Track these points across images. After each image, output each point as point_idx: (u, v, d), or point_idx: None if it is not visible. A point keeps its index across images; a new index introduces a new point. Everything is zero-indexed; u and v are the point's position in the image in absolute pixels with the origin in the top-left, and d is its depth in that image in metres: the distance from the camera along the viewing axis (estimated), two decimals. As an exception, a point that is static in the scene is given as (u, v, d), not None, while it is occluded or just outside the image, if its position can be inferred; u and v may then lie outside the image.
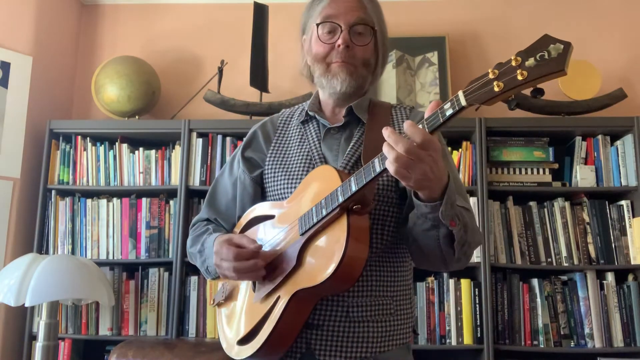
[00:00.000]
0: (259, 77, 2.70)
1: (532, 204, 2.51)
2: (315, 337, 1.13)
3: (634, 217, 2.45)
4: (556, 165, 2.53)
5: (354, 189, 0.99)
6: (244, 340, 1.15)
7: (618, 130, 2.53)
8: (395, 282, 1.19)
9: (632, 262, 2.40)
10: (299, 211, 1.11)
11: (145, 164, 2.65)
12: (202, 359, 2.01)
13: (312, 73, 1.30)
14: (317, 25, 1.23)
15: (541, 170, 2.52)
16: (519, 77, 0.83)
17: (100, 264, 2.52)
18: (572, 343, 2.37)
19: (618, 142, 2.53)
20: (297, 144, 1.29)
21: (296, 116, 1.35)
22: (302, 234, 1.08)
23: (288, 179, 1.23)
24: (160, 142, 2.70)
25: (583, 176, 2.48)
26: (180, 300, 2.48)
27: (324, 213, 1.03)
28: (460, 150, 2.53)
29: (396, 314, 1.17)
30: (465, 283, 2.41)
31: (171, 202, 2.61)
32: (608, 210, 2.48)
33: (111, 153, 2.66)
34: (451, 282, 2.42)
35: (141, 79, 2.73)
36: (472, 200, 2.43)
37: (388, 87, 2.74)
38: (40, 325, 2.25)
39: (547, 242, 2.47)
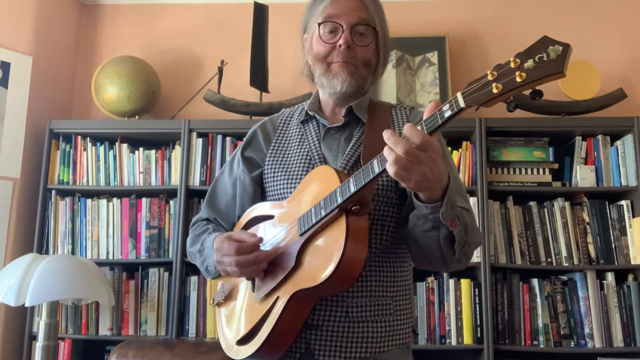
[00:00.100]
0: (259, 77, 2.71)
1: (532, 204, 2.51)
2: (314, 338, 1.13)
3: (634, 217, 2.45)
4: (556, 165, 2.53)
5: (352, 190, 0.99)
6: (243, 340, 1.15)
7: (618, 130, 2.53)
8: (394, 282, 1.19)
9: (632, 262, 2.40)
10: (298, 211, 1.11)
11: (145, 164, 2.65)
12: (202, 359, 2.01)
13: (312, 72, 1.30)
14: (319, 24, 1.23)
15: (541, 170, 2.52)
16: (518, 79, 0.83)
17: (100, 264, 2.52)
18: (572, 343, 2.37)
19: (618, 142, 2.53)
20: (296, 143, 1.28)
21: (296, 116, 1.35)
22: (301, 235, 1.08)
23: (288, 178, 1.23)
24: (160, 142, 2.70)
25: (583, 176, 2.48)
26: (180, 300, 2.48)
27: (323, 214, 1.03)
28: (460, 150, 2.53)
29: (396, 314, 1.17)
30: (465, 283, 2.41)
31: (171, 202, 2.61)
32: (608, 210, 2.48)
33: (111, 153, 2.66)
34: (451, 282, 2.42)
35: (141, 79, 2.73)
36: (472, 200, 2.43)
37: (388, 87, 2.74)
38: (40, 325, 2.25)
39: (547, 242, 2.47)
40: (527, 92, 0.88)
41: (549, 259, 2.45)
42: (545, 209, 2.50)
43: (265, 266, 1.13)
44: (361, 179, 0.99)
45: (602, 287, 2.40)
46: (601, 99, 2.59)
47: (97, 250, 2.59)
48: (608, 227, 2.46)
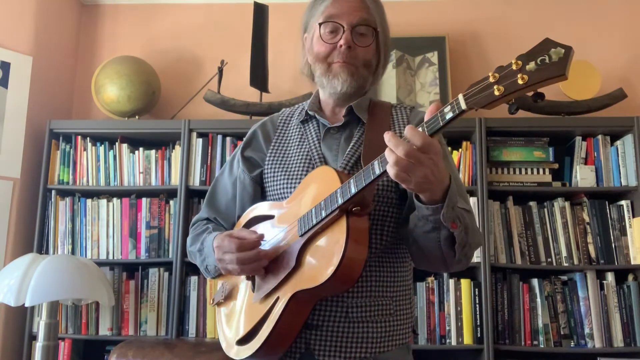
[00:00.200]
0: (259, 77, 2.71)
1: (532, 204, 2.51)
2: (314, 338, 1.13)
3: (634, 217, 2.45)
4: (556, 165, 2.53)
5: (353, 191, 0.99)
6: (243, 341, 1.15)
7: (618, 130, 2.53)
8: (394, 283, 1.19)
9: (632, 262, 2.40)
10: (299, 212, 1.11)
11: (145, 164, 2.65)
12: (202, 359, 2.01)
13: (312, 72, 1.30)
14: (320, 24, 1.23)
15: (541, 170, 2.52)
16: (520, 81, 0.83)
17: (100, 264, 2.52)
18: (572, 343, 2.37)
19: (618, 142, 2.53)
20: (296, 143, 1.28)
21: (296, 116, 1.35)
22: (302, 235, 1.08)
23: (288, 178, 1.23)
24: (160, 142, 2.70)
25: (583, 176, 2.48)
26: (180, 300, 2.48)
27: (324, 215, 1.03)
28: (460, 150, 2.53)
29: (396, 314, 1.17)
30: (465, 283, 2.41)
31: (171, 202, 2.61)
32: (608, 210, 2.48)
33: (111, 153, 2.66)
34: (451, 282, 2.42)
35: (141, 79, 2.73)
36: (472, 200, 2.43)
37: (388, 87, 2.74)
38: (40, 325, 2.25)
39: (547, 242, 2.47)
40: (529, 94, 0.87)
41: (549, 259, 2.45)
42: (545, 209, 2.50)
43: (266, 263, 1.13)
44: (362, 180, 0.99)
45: (602, 287, 2.40)
46: (601, 99, 2.59)
47: (97, 250, 2.59)
48: (608, 227, 2.46)
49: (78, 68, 3.08)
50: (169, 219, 2.60)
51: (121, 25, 3.09)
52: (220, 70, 2.76)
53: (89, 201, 2.63)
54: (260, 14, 2.74)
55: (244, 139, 1.38)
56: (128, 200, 2.61)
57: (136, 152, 2.66)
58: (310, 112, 1.30)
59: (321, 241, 1.05)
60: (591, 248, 2.44)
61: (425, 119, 0.93)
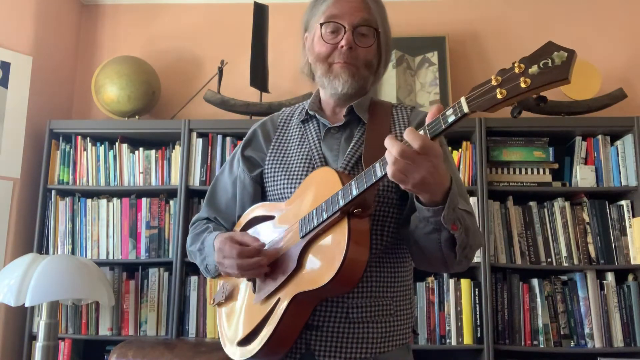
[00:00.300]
0: (259, 77, 2.70)
1: (532, 204, 2.51)
2: (315, 338, 1.13)
3: (634, 217, 2.45)
4: (556, 165, 2.53)
5: (354, 193, 0.99)
6: (244, 342, 1.15)
7: (618, 130, 2.53)
8: (395, 283, 1.19)
9: (632, 262, 2.40)
10: (299, 213, 1.11)
11: (145, 164, 2.65)
12: (202, 359, 2.01)
13: (313, 72, 1.29)
14: (321, 24, 1.23)
15: (541, 170, 2.52)
16: (522, 85, 0.83)
17: (100, 264, 2.52)
18: (572, 343, 2.37)
19: (618, 142, 2.53)
20: (297, 143, 1.28)
21: (296, 115, 1.34)
22: (303, 237, 1.08)
23: (288, 178, 1.23)
24: (160, 142, 2.70)
25: (583, 176, 2.48)
26: (180, 300, 2.48)
27: (325, 216, 1.03)
28: (460, 150, 2.53)
29: (396, 315, 1.17)
30: (465, 283, 2.41)
31: (171, 202, 2.61)
32: (608, 210, 2.48)
33: (111, 153, 2.66)
34: (451, 282, 2.42)
35: (141, 79, 2.73)
36: (472, 200, 2.42)
37: (388, 87, 2.74)
38: (40, 325, 2.25)
39: (547, 242, 2.47)
40: (532, 97, 0.87)
41: (549, 259, 2.45)
42: (545, 209, 2.50)
43: (266, 270, 1.13)
44: (363, 182, 0.99)
45: (602, 287, 2.40)
46: (601, 99, 2.59)
47: (97, 250, 2.59)
48: (608, 227, 2.46)
49: (78, 68, 3.08)
50: (169, 219, 2.60)
51: (121, 25, 3.09)
52: (220, 70, 2.76)
53: (89, 201, 2.63)
54: (260, 14, 2.74)
55: (244, 138, 1.38)
56: (128, 200, 2.61)
57: (136, 152, 2.66)
58: (310, 112, 1.30)
59: (322, 243, 1.05)
60: (591, 248, 2.44)
61: (427, 122, 0.93)
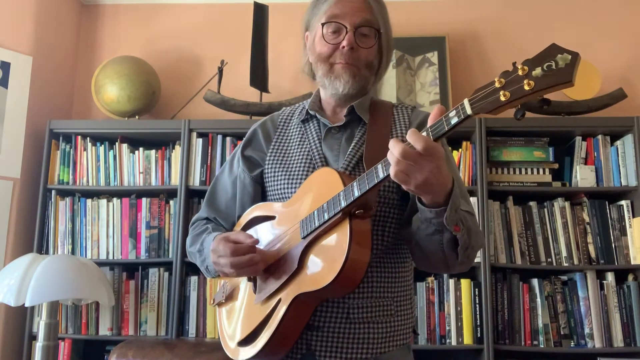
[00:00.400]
0: (259, 77, 2.70)
1: (532, 204, 2.51)
2: (315, 339, 1.13)
3: (634, 217, 2.45)
4: (556, 165, 2.53)
5: (356, 194, 0.99)
6: (245, 342, 1.15)
7: (618, 130, 2.53)
8: (395, 283, 1.19)
9: (632, 262, 2.40)
10: (300, 214, 1.11)
11: (145, 164, 2.65)
12: (202, 359, 2.01)
13: (313, 71, 1.29)
14: (322, 24, 1.22)
15: (541, 170, 2.52)
16: (526, 87, 0.82)
17: (100, 264, 2.52)
18: (572, 343, 2.37)
19: (618, 142, 2.53)
20: (297, 143, 1.28)
21: (297, 115, 1.34)
22: (304, 237, 1.08)
23: (288, 178, 1.23)
24: (160, 142, 2.70)
25: (583, 176, 2.48)
26: (180, 300, 2.48)
27: (326, 217, 1.03)
28: (460, 150, 2.53)
29: (397, 315, 1.17)
30: (465, 283, 2.41)
31: (171, 202, 2.61)
32: (608, 210, 2.48)
33: (111, 153, 2.66)
34: (451, 282, 2.42)
35: (141, 79, 2.73)
36: (472, 200, 2.42)
37: (388, 87, 2.74)
38: (40, 325, 2.25)
39: (547, 242, 2.47)
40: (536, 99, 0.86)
41: (549, 259, 2.45)
42: (545, 209, 2.50)
43: (262, 267, 1.13)
44: (365, 183, 0.99)
45: (602, 287, 2.40)
46: (601, 99, 2.59)
47: (97, 250, 2.59)
48: (608, 227, 2.46)
49: (78, 68, 3.08)
50: (169, 219, 2.60)
51: (121, 25, 3.09)
52: (220, 70, 2.76)
53: (89, 201, 2.63)
54: (260, 14, 2.74)
55: (244, 138, 1.37)
56: (128, 200, 2.61)
57: (136, 152, 2.66)
58: (311, 112, 1.29)
59: (324, 244, 1.05)
60: (591, 248, 2.44)
61: (430, 123, 0.93)
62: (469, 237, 1.04)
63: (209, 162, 2.60)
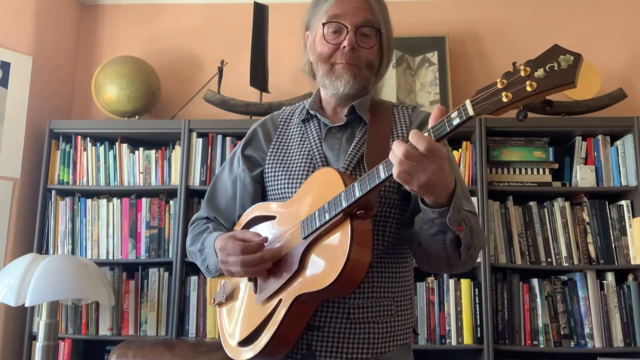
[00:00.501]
0: (259, 77, 2.70)
1: (532, 204, 2.51)
2: (316, 339, 1.12)
3: (634, 217, 2.45)
4: (556, 165, 2.53)
5: (357, 195, 0.99)
6: (245, 342, 1.15)
7: (618, 130, 2.53)
8: (396, 283, 1.18)
9: (632, 262, 2.40)
10: (301, 214, 1.11)
11: (145, 164, 2.65)
12: (202, 359, 2.01)
13: (314, 71, 1.29)
14: (323, 24, 1.22)
15: (541, 170, 2.52)
16: (528, 88, 0.82)
17: (100, 264, 2.52)
18: (572, 343, 2.37)
19: (618, 142, 2.53)
20: (297, 142, 1.28)
21: (297, 114, 1.34)
22: (305, 238, 1.08)
23: (289, 178, 1.23)
24: (160, 142, 2.70)
25: (583, 176, 2.48)
26: (180, 300, 2.48)
27: (327, 217, 1.03)
28: (460, 150, 2.53)
29: (397, 315, 1.17)
30: (465, 283, 2.41)
31: (171, 202, 2.61)
32: (608, 210, 2.48)
33: (111, 153, 2.66)
34: (451, 282, 2.42)
35: (141, 79, 2.73)
36: (472, 200, 2.42)
37: (388, 87, 2.74)
38: (40, 325, 2.25)
39: (547, 242, 2.47)
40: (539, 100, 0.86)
41: (549, 259, 2.45)
42: (545, 209, 2.50)
43: (269, 266, 1.13)
44: (366, 184, 0.99)
45: (602, 287, 2.40)
46: (601, 99, 2.59)
47: (97, 250, 2.59)
48: (608, 227, 2.46)
49: (78, 68, 3.08)
50: (169, 219, 2.60)
51: (121, 25, 3.09)
52: (220, 70, 2.76)
53: (89, 201, 2.63)
54: (260, 14, 2.74)
55: (245, 137, 1.37)
56: (128, 200, 2.61)
57: (136, 152, 2.66)
58: (311, 112, 1.29)
59: (325, 244, 1.05)
60: (591, 248, 2.44)
61: (431, 124, 0.93)
62: (471, 237, 1.04)
63: (209, 162, 2.60)
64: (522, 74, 0.83)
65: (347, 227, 1.00)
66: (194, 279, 2.51)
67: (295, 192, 1.19)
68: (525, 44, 2.80)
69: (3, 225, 2.53)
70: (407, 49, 2.82)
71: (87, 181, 2.65)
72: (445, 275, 2.44)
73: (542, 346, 2.36)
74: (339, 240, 1.01)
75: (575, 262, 2.42)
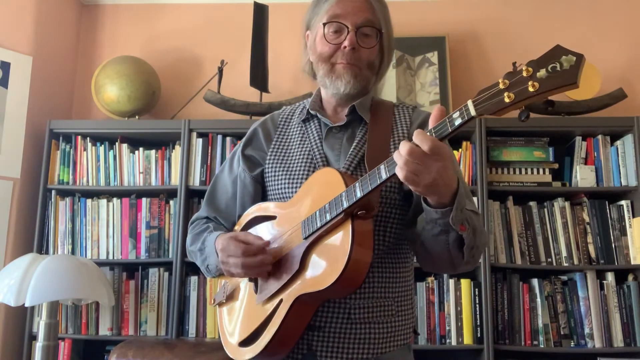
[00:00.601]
0: (259, 77, 2.70)
1: (532, 204, 2.51)
2: (316, 339, 1.12)
3: (634, 217, 2.45)
4: (556, 165, 2.53)
5: (358, 195, 0.99)
6: (246, 342, 1.15)
7: (618, 130, 2.53)
8: (396, 283, 1.18)
9: (632, 262, 2.40)
10: (302, 214, 1.11)
11: (145, 164, 2.65)
12: (202, 359, 2.01)
13: (314, 70, 1.29)
14: (324, 24, 1.22)
15: (541, 170, 2.52)
16: (530, 89, 0.82)
17: (100, 264, 2.52)
18: (572, 343, 2.37)
19: (618, 142, 2.53)
20: (298, 142, 1.28)
21: (297, 114, 1.34)
22: (306, 238, 1.08)
23: (289, 178, 1.23)
24: (160, 142, 2.70)
25: (583, 176, 2.48)
26: (180, 300, 2.48)
27: (328, 218, 1.03)
28: (460, 150, 2.53)
29: (397, 315, 1.17)
30: (465, 283, 2.41)
31: (171, 202, 2.61)
32: (608, 210, 2.48)
33: (111, 153, 2.66)
34: (451, 282, 2.42)
35: (141, 79, 2.73)
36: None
37: (388, 87, 2.74)
38: (40, 325, 2.24)
39: (547, 242, 2.47)
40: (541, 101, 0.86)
41: (549, 259, 2.45)
42: (545, 209, 2.50)
43: (270, 269, 1.13)
44: (368, 184, 0.98)
45: (602, 287, 2.40)
46: (601, 99, 2.59)
47: (97, 250, 2.59)
48: (608, 227, 2.46)
49: (78, 68, 3.08)
50: (169, 219, 2.60)
51: (121, 25, 3.09)
52: (220, 70, 2.76)
53: (89, 201, 2.63)
54: (260, 14, 2.74)
55: (245, 137, 1.37)
56: (128, 200, 2.61)
57: (136, 152, 2.66)
58: (312, 111, 1.29)
59: (325, 244, 1.05)
60: (591, 248, 2.44)
61: (432, 125, 0.93)
62: (474, 237, 1.04)
63: (209, 162, 2.59)
64: (525, 74, 0.83)
65: (348, 228, 1.00)
66: (194, 279, 2.51)
67: (295, 192, 1.19)
68: (525, 44, 2.80)
69: (3, 225, 2.53)
70: (407, 49, 2.82)
71: (87, 181, 2.65)
72: (445, 275, 2.44)
73: (542, 346, 2.36)
74: (340, 241, 1.01)
75: (575, 262, 2.42)
